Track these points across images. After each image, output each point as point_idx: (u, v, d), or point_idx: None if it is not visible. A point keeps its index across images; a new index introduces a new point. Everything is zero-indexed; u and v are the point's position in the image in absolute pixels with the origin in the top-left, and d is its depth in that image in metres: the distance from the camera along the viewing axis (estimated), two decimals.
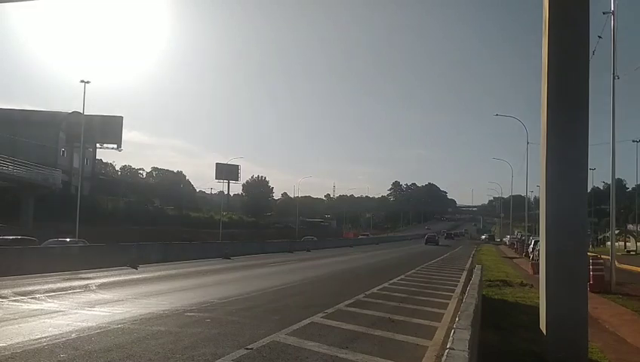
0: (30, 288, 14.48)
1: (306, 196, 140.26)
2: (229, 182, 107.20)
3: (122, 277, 18.68)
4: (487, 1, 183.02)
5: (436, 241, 74.92)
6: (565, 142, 7.74)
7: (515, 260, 40.09)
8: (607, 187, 45.14)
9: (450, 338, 4.26)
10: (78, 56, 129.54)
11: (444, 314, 11.62)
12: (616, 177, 21.09)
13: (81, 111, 46.18)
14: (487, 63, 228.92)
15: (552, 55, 7.93)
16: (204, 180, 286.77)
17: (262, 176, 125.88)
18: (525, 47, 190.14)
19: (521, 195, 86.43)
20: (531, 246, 37.31)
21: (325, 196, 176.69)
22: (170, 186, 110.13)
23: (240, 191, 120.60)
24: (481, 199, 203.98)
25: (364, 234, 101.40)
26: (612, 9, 19.14)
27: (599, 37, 19.50)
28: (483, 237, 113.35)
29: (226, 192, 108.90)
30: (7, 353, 7.09)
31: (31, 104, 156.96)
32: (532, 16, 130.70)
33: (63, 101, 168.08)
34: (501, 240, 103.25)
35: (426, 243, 71.64)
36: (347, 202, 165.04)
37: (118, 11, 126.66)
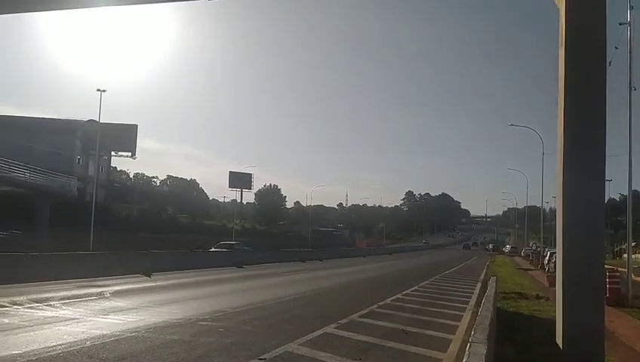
0: (45, 295, 14.58)
1: (318, 205, 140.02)
2: (241, 191, 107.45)
3: (136, 285, 18.76)
4: (503, 11, 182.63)
5: (469, 248, 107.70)
6: (582, 153, 7.67)
7: (530, 272, 39.68)
8: (624, 198, 44.44)
9: (466, 352, 4.21)
10: (93, 65, 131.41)
11: (458, 326, 11.50)
12: (632, 188, 20.79)
13: (97, 120, 46.73)
14: (502, 73, 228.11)
15: (568, 65, 7.88)
16: (217, 188, 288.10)
17: (274, 185, 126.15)
18: (541, 56, 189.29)
19: (536, 206, 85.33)
20: (547, 258, 36.90)
21: (338, 205, 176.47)
22: (183, 194, 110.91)
23: (253, 200, 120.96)
24: (495, 210, 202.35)
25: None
26: (629, 20, 18.98)
27: (616, 47, 19.33)
28: (489, 247, 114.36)
29: (238, 200, 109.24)
30: (22, 360, 7.15)
31: (47, 112, 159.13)
32: (547, 25, 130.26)
33: (79, 109, 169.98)
34: (509, 249, 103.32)
35: (463, 249, 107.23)
36: (360, 211, 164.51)
37: (131, 21, 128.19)
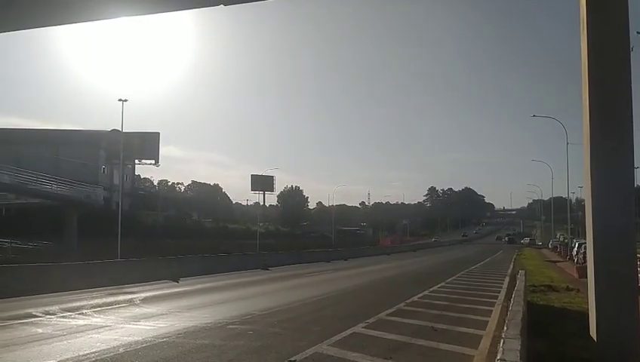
0: (77, 304, 14.85)
1: (340, 205, 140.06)
2: (264, 193, 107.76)
3: (165, 291, 18.98)
4: (523, 1, 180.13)
5: (514, 241, 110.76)
6: (609, 141, 7.52)
7: (558, 264, 39.08)
8: None
9: (500, 348, 4.17)
10: (114, 76, 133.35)
11: (488, 321, 11.40)
12: None
13: (120, 129, 47.39)
14: (523, 63, 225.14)
15: (590, 52, 7.74)
16: (239, 192, 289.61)
17: (296, 186, 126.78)
18: (562, 45, 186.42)
19: (562, 197, 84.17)
20: (575, 249, 36.35)
21: (360, 204, 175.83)
22: (207, 199, 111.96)
23: (275, 202, 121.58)
24: (520, 202, 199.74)
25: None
26: None
27: (638, 32, 18.94)
28: (504, 239, 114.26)
29: (261, 203, 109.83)
30: None
31: (72, 124, 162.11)
32: (568, 13, 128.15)
33: (102, 120, 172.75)
34: (528, 241, 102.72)
35: (508, 243, 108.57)
36: (383, 209, 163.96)
37: (150, 29, 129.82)
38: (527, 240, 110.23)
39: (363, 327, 10.55)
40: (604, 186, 7.45)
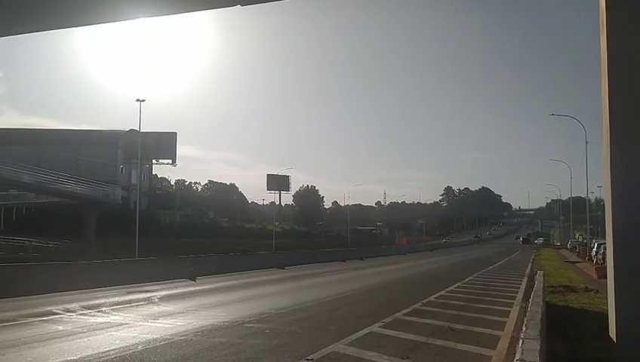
0: (96, 301, 15.05)
1: (356, 204, 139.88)
2: (280, 193, 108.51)
3: (182, 289, 19.14)
4: None
5: (529, 241, 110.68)
6: (630, 139, 7.42)
7: (577, 264, 38.62)
8: None
9: (519, 348, 4.15)
10: (132, 76, 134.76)
11: (506, 322, 11.31)
12: None
13: (138, 129, 47.89)
14: (541, 62, 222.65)
15: (610, 49, 7.65)
16: (256, 191, 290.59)
17: (312, 186, 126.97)
18: (581, 43, 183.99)
19: (581, 197, 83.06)
20: (594, 249, 35.90)
21: (376, 203, 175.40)
22: (223, 199, 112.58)
23: (291, 201, 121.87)
24: (538, 202, 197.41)
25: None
26: None
27: None
28: (519, 240, 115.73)
29: (277, 203, 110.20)
30: None
31: (90, 124, 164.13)
32: (587, 10, 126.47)
33: (121, 120, 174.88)
34: (542, 242, 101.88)
35: (522, 243, 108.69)
36: (398, 209, 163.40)
37: (168, 30, 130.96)
38: (540, 240, 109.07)
39: (379, 327, 10.54)
40: (624, 186, 7.36)
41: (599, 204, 74.90)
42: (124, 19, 11.65)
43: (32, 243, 41.96)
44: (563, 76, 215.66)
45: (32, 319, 11.84)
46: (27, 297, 15.97)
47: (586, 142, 50.39)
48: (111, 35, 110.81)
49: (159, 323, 11.34)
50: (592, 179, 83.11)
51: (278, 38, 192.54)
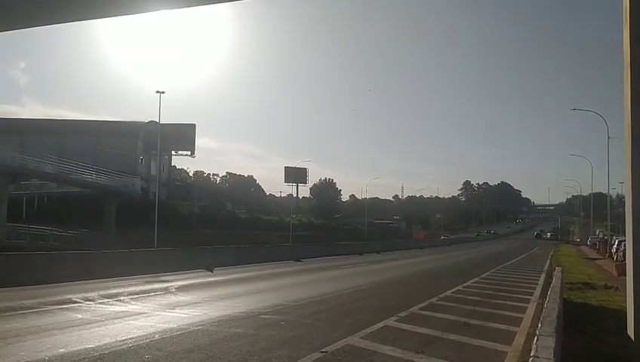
0: (115, 291, 15.27)
1: (373, 198, 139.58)
2: (297, 185, 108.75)
3: (199, 280, 19.33)
4: None
5: (540, 236, 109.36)
6: None
7: (597, 261, 38.10)
8: None
9: (534, 345, 4.12)
10: (152, 68, 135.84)
11: (522, 318, 11.21)
12: None
13: (157, 121, 48.35)
14: (562, 55, 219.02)
15: (633, 45, 7.50)
16: (273, 183, 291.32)
17: (329, 179, 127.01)
18: (604, 36, 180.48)
19: (602, 193, 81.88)
20: (615, 246, 35.37)
21: (394, 197, 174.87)
22: (241, 190, 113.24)
23: (308, 194, 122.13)
24: (558, 197, 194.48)
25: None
26: None
27: None
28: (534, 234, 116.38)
29: (294, 195, 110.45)
30: (96, 354, 7.51)
31: (111, 115, 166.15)
32: (610, 3, 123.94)
33: (142, 110, 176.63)
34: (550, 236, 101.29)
35: (535, 238, 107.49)
36: (416, 203, 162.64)
37: (187, 22, 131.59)
38: (548, 235, 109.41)
39: (395, 321, 10.52)
40: None
41: (621, 200, 73.63)
42: (144, 12, 11.73)
43: (53, 232, 42.75)
44: (586, 69, 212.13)
45: (52, 307, 12.07)
46: (48, 285, 16.26)
47: (608, 138, 49.61)
48: (132, 27, 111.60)
49: (176, 312, 11.47)
50: (614, 175, 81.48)
51: (295, 31, 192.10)
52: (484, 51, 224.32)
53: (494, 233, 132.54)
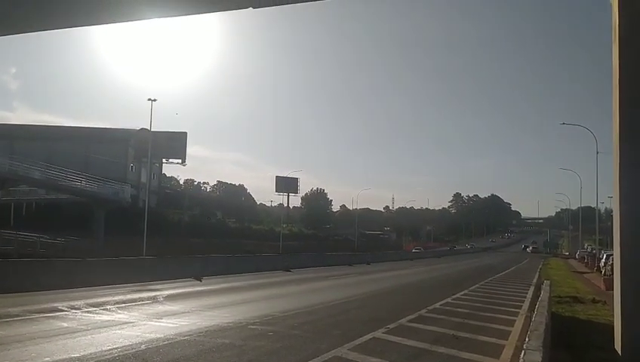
0: (101, 299, 15.12)
1: (364, 208, 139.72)
2: (288, 195, 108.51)
3: (187, 289, 19.19)
4: (553, 7, 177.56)
5: (537, 251, 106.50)
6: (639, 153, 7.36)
7: (585, 275, 38.28)
8: None
9: (521, 359, 4.11)
10: (144, 75, 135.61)
11: (511, 331, 11.22)
12: None
13: (149, 128, 48.15)
14: (553, 70, 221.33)
15: (623, 61, 7.60)
16: (264, 193, 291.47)
17: (320, 189, 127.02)
18: (594, 52, 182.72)
19: (590, 207, 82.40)
20: (603, 260, 35.58)
21: (384, 208, 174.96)
22: (231, 199, 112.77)
23: (299, 204, 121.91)
24: (547, 211, 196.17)
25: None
26: None
27: None
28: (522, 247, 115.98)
29: (285, 205, 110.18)
30: None
31: (102, 122, 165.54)
32: (600, 20, 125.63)
33: (132, 118, 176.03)
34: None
35: (531, 252, 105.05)
36: (407, 214, 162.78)
37: (179, 31, 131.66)
38: (529, 248, 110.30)
39: (383, 332, 10.49)
40: (633, 196, 7.30)
41: (609, 214, 74.30)
42: (138, 20, 11.73)
43: (41, 239, 42.26)
44: (576, 85, 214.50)
45: (37, 315, 11.93)
46: (33, 293, 16.08)
47: (597, 152, 49.99)
48: (124, 34, 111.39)
49: (163, 322, 11.37)
50: (603, 190, 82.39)
51: (288, 40, 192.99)
52: (477, 65, 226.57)
53: (471, 247, 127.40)
